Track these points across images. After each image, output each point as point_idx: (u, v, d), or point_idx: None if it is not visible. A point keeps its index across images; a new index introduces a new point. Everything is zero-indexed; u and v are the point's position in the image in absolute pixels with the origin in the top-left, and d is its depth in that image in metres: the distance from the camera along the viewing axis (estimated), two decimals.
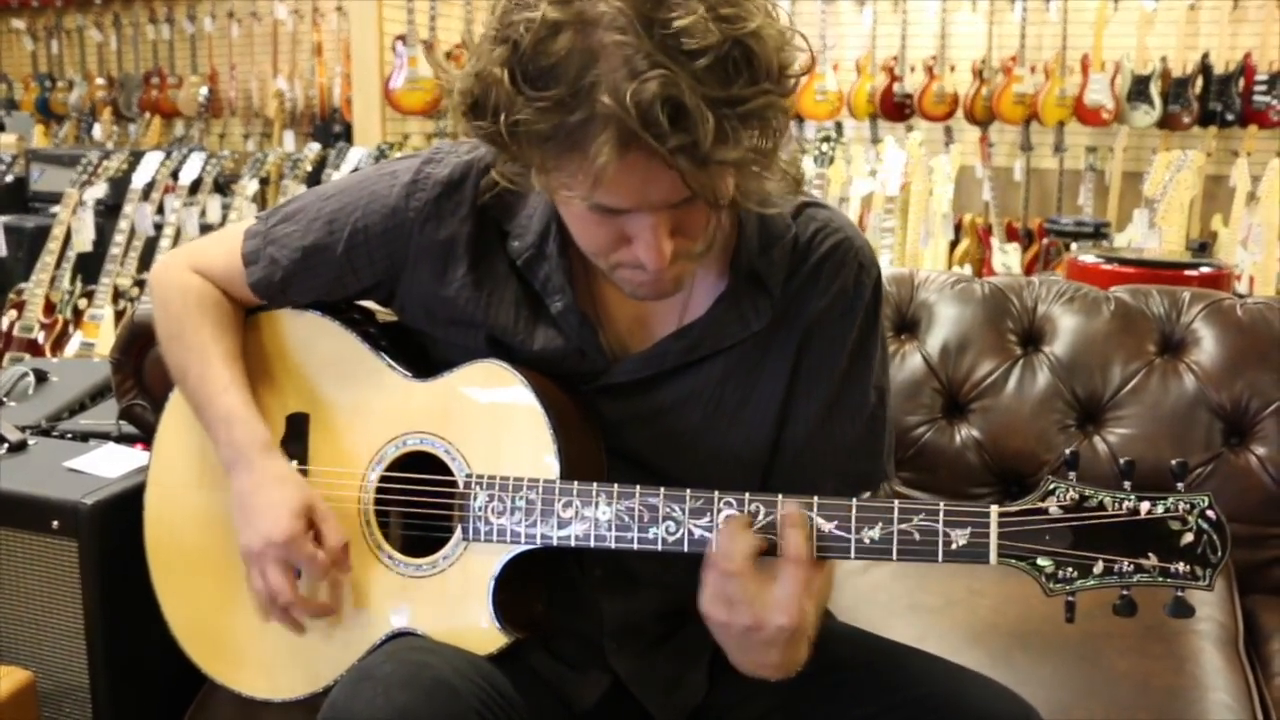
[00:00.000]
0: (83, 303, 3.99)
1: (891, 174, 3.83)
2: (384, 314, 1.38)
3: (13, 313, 3.91)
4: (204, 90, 7.94)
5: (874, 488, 1.27)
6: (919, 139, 4.70)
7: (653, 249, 1.03)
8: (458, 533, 1.19)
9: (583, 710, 1.25)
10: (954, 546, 1.00)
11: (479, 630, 1.17)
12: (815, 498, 1.05)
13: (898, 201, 3.95)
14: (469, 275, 1.22)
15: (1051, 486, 0.99)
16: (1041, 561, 0.99)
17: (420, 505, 1.23)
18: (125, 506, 1.39)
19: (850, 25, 6.68)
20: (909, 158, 4.17)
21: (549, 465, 1.16)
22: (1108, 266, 3.14)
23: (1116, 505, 0.98)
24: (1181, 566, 0.97)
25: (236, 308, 1.35)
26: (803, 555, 1.02)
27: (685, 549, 1.09)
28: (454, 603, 1.20)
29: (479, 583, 1.18)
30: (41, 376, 2.19)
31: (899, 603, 1.58)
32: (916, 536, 1.02)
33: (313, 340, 1.33)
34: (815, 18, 6.71)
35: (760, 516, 1.07)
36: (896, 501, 1.03)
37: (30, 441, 1.70)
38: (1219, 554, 0.96)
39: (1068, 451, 1.00)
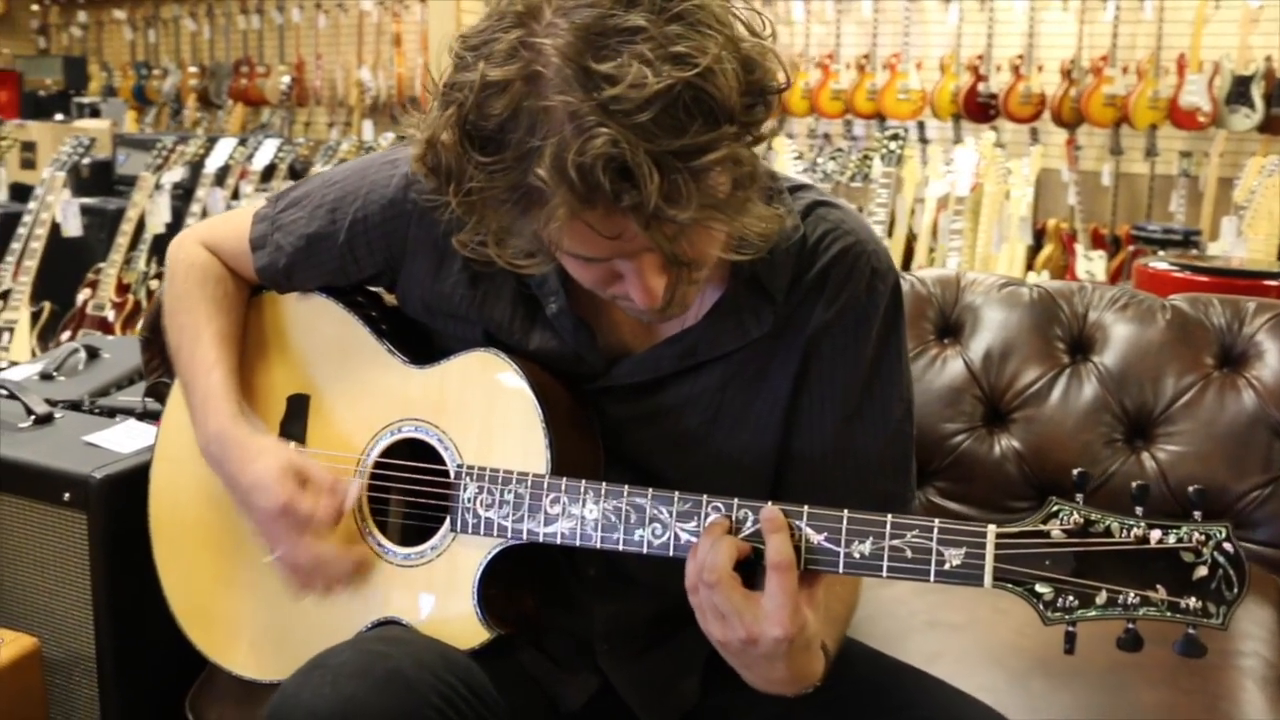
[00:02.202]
0: (154, 283, 4.08)
1: (962, 174, 3.71)
2: (391, 298, 1.36)
3: (87, 291, 4.01)
4: (286, 79, 8.09)
5: (900, 510, 1.21)
6: (992, 139, 4.55)
7: (641, 291, 0.98)
8: (446, 523, 1.17)
9: (570, 711, 1.21)
10: (947, 566, 0.94)
11: (463, 623, 1.15)
12: (805, 506, 0.99)
13: (968, 203, 3.83)
14: (465, 271, 1.19)
15: (1055, 508, 0.92)
16: (1040, 588, 0.92)
17: (412, 494, 1.21)
18: (135, 481, 1.40)
19: (935, 23, 6.53)
20: (981, 158, 4.04)
21: (539, 460, 1.12)
22: (1179, 274, 2.94)
23: (1124, 532, 0.90)
24: (1193, 602, 0.89)
25: (240, 286, 1.34)
26: (784, 560, 0.97)
27: (671, 553, 1.04)
28: (440, 594, 1.17)
29: (465, 575, 1.15)
30: (93, 353, 2.23)
31: (918, 619, 1.51)
32: (908, 554, 0.95)
33: (317, 322, 1.32)
34: (899, 14, 6.59)
35: (748, 524, 1.01)
36: (890, 516, 0.96)
37: (57, 415, 1.72)
38: (1235, 591, 0.88)
39: (1075, 472, 0.93)
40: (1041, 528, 0.92)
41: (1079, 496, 0.92)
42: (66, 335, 3.95)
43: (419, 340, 1.28)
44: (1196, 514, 0.90)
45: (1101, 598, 0.90)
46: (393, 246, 1.23)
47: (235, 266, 1.33)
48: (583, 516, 1.08)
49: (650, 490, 1.06)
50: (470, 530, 1.15)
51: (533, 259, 0.98)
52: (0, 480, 1.56)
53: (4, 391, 1.74)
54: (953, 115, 6.34)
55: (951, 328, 1.87)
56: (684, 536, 1.04)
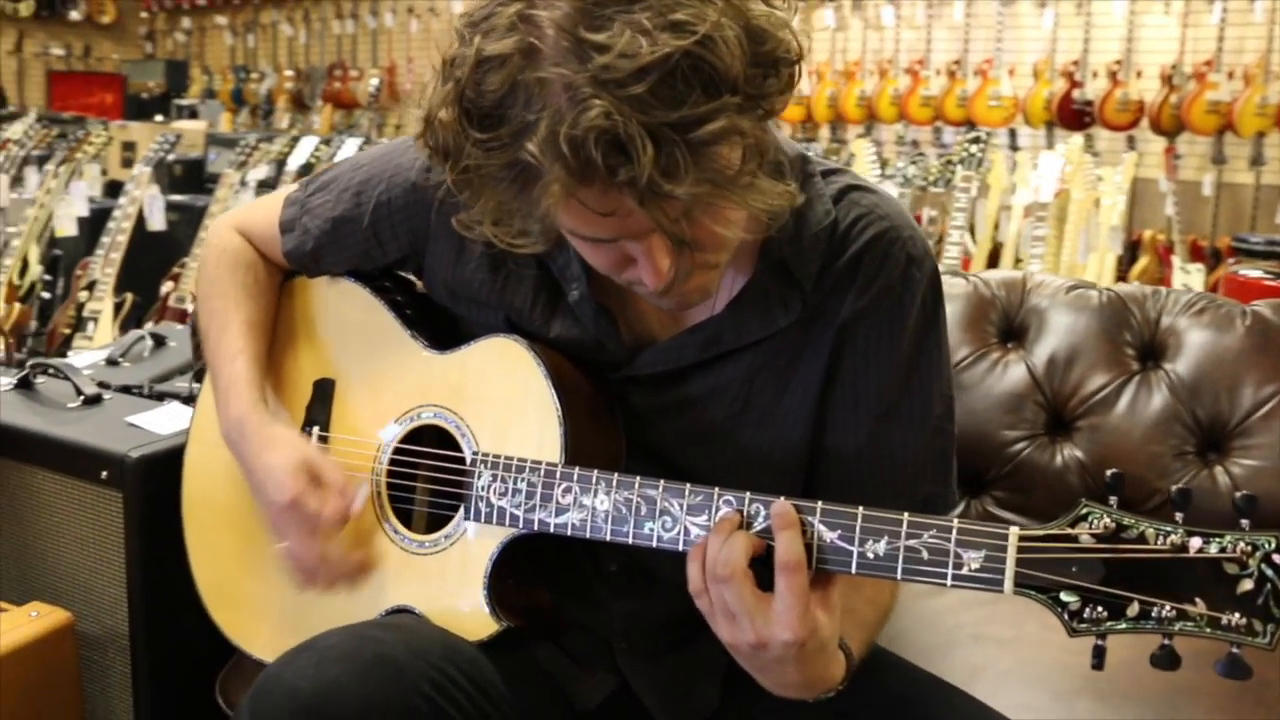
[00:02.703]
0: None
1: (1046, 179, 3.58)
2: (421, 285, 1.34)
3: (170, 283, 4.11)
4: (374, 82, 8.24)
5: (941, 514, 1.15)
6: (1080, 142, 4.39)
7: (650, 273, 0.94)
8: (460, 511, 1.14)
9: (585, 711, 1.18)
10: (965, 570, 0.88)
11: (473, 614, 1.12)
12: (819, 502, 0.94)
13: (1051, 209, 3.69)
14: (485, 256, 1.16)
15: (1085, 511, 0.85)
16: (1065, 596, 0.85)
17: (430, 481, 1.18)
18: (170, 462, 1.40)
19: (1029, 28, 6.36)
20: (1067, 162, 3.89)
21: (553, 449, 1.09)
22: (1272, 282, 2.77)
23: (1160, 539, 0.83)
24: (1236, 618, 0.81)
25: (272, 272, 1.33)
26: (793, 560, 0.91)
27: (680, 548, 1.00)
28: (451, 583, 1.15)
29: (476, 565, 1.12)
30: (160, 341, 2.26)
31: (963, 632, 1.43)
32: (925, 555, 0.89)
33: (344, 307, 1.31)
34: (992, 19, 6.43)
35: (759, 520, 0.96)
36: (906, 515, 0.90)
37: (106, 397, 1.74)
38: None
39: (1109, 474, 0.86)
40: (1069, 531, 0.85)
41: (1112, 499, 0.85)
42: (150, 326, 4.04)
43: (445, 326, 1.26)
44: (1244, 522, 0.82)
45: (1133, 609, 0.83)
46: (416, 230, 1.21)
47: (267, 251, 1.33)
48: (594, 507, 1.04)
49: (662, 482, 1.01)
50: (483, 519, 1.12)
51: (527, 238, 0.95)
52: (43, 457, 1.58)
53: (59, 373, 1.77)
54: (1045, 123, 6.16)
55: (1015, 331, 1.78)
56: (694, 531, 0.99)
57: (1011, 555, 0.86)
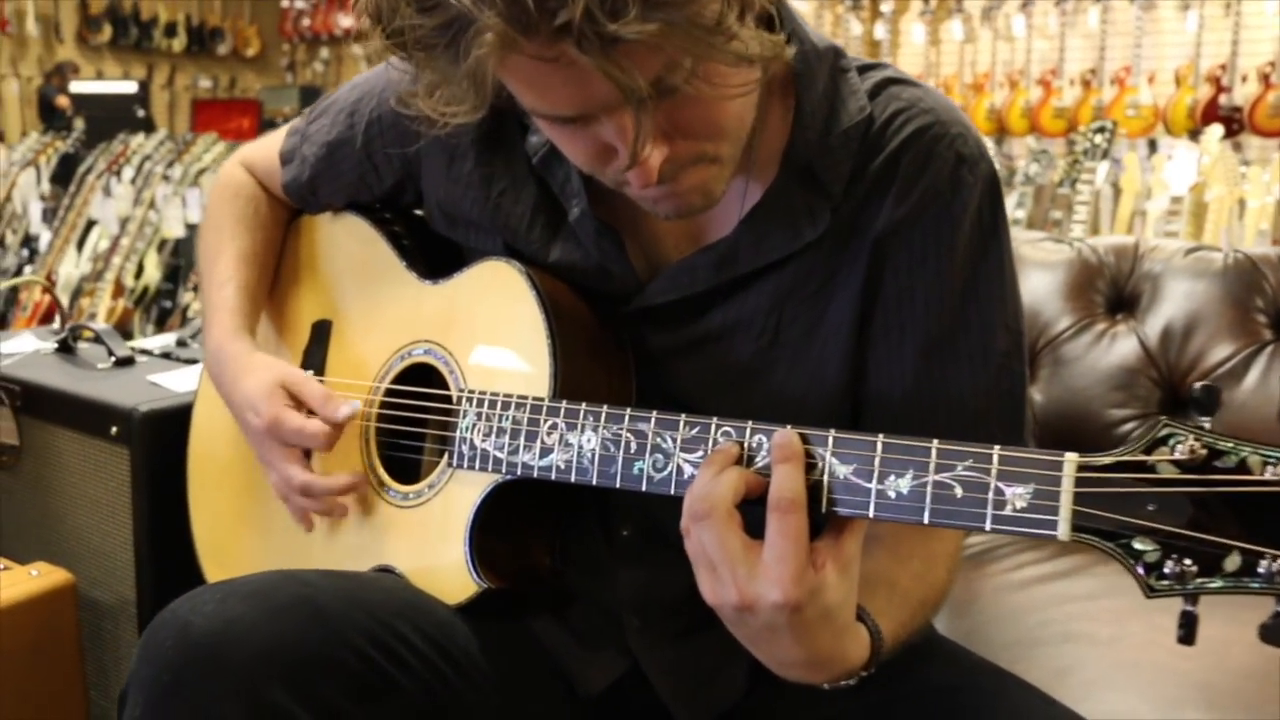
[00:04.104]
0: None
1: (1179, 172, 3.27)
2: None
3: None
4: None
5: None
6: (1219, 132, 4.03)
7: (629, 159, 0.79)
8: (445, 458, 1.00)
9: (588, 696, 1.02)
10: (1008, 510, 0.69)
11: (452, 573, 0.98)
12: (832, 430, 0.77)
13: (1187, 205, 3.37)
14: (477, 171, 1.04)
15: (1165, 433, 0.66)
16: (1140, 544, 0.65)
17: (419, 425, 1.05)
18: (180, 419, 1.31)
19: (1171, 32, 5.99)
20: (1203, 153, 3.56)
21: (541, 385, 0.94)
22: None
23: (1267, 468, 0.63)
24: None
25: (275, 207, 1.25)
26: (786, 498, 0.74)
27: (672, 490, 0.83)
28: (433, 539, 1.02)
29: (458, 518, 0.98)
30: None
31: (1051, 629, 1.22)
32: (958, 492, 0.71)
33: (344, 243, 1.21)
34: (1130, 25, 6.07)
35: (762, 454, 0.79)
36: (936, 441, 0.72)
37: (140, 360, 1.68)
38: None
39: (1197, 386, 0.66)
40: (1144, 459, 0.65)
41: (1205, 420, 0.66)
42: None
43: (445, 257, 1.12)
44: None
45: (1233, 562, 0.63)
46: (407, 149, 1.09)
47: (270, 185, 1.25)
48: (579, 446, 0.89)
49: (654, 413, 0.85)
50: (466, 464, 0.98)
51: (462, 105, 0.80)
52: (62, 414, 1.51)
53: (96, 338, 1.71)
54: (1189, 131, 5.77)
55: (1125, 300, 1.58)
56: (688, 470, 0.83)
57: (1068, 489, 0.67)
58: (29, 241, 5.28)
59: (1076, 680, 1.08)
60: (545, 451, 0.91)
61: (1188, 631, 0.66)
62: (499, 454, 0.95)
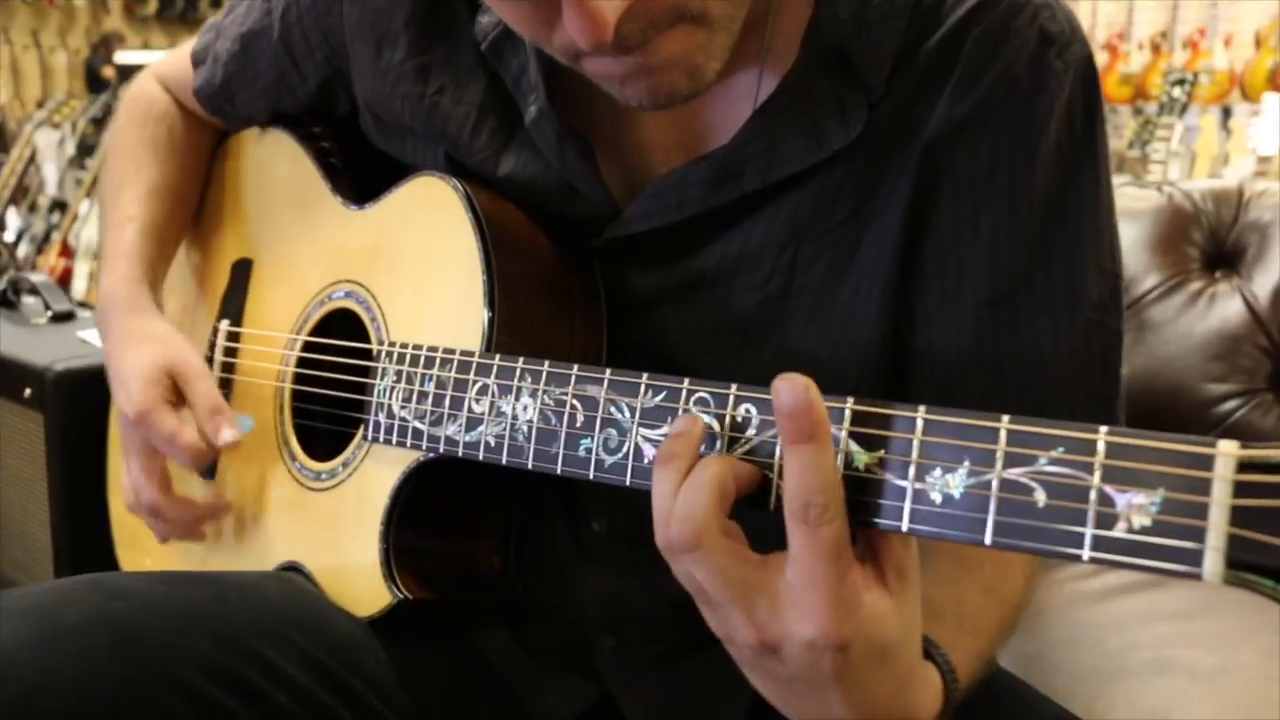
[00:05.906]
0: None
1: (1267, 130, 2.96)
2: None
3: None
4: None
5: None
6: None
7: (578, 12, 0.58)
8: (361, 429, 0.79)
9: None
10: (1121, 528, 0.44)
11: (364, 577, 0.78)
12: (850, 399, 0.52)
13: (1274, 164, 3.06)
14: (410, 60, 0.82)
15: None
16: None
17: (335, 386, 0.85)
18: (105, 380, 1.10)
19: None
20: None
21: (474, 335, 0.72)
22: None
23: None
24: None
25: (194, 128, 1.05)
26: (819, 500, 0.50)
27: (628, 479, 0.60)
28: (344, 531, 0.82)
29: (373, 506, 0.78)
30: None
31: (1140, 655, 0.99)
32: (1039, 498, 0.46)
33: (270, 165, 1.01)
34: None
35: (752, 426, 0.55)
36: (1006, 418, 0.48)
37: (81, 315, 1.48)
38: None
39: None
40: None
41: None
42: None
43: (379, 175, 0.90)
44: None
45: None
46: (330, 37, 0.89)
47: (185, 100, 1.05)
48: (514, 416, 0.66)
49: (609, 371, 0.62)
50: (383, 437, 0.77)
51: None
52: None
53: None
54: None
55: (1227, 255, 1.35)
56: (649, 452, 0.59)
57: (1222, 499, 0.42)
58: (59, 206, 5.14)
59: None
60: (473, 423, 0.69)
61: None
62: (419, 424, 0.73)
